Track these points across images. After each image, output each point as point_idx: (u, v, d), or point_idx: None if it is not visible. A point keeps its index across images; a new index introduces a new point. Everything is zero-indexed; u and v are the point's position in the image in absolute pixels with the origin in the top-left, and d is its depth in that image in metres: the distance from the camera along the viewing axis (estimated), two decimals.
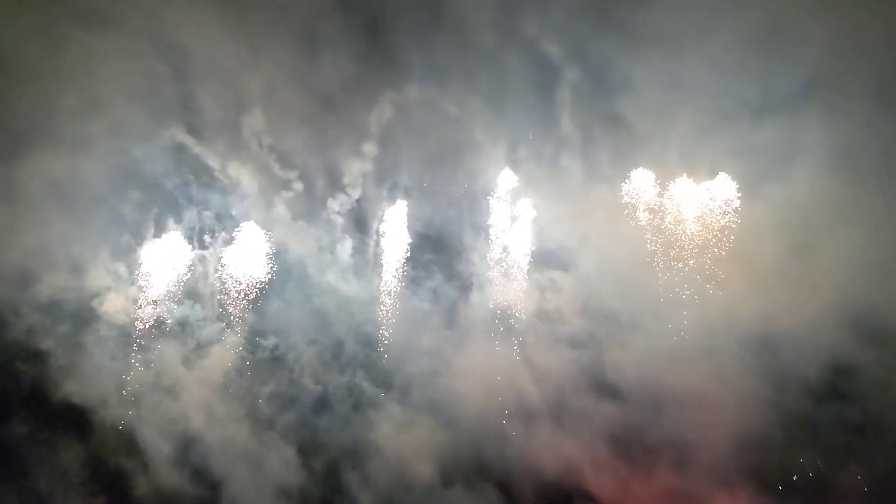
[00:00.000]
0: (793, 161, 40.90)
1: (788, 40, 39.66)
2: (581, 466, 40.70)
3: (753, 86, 41.53)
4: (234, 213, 47.13)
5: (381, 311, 45.47)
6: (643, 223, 42.46)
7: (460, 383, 43.02)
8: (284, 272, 46.27)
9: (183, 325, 45.33)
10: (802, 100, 40.06)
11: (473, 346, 43.96)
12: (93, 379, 42.78)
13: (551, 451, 41.21)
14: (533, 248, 44.77)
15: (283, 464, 42.17)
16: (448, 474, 41.90)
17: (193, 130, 46.51)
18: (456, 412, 42.69)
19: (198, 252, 46.28)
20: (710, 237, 41.27)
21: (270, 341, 45.29)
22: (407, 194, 46.55)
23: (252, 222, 46.58)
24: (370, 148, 45.69)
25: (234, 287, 45.62)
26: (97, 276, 44.61)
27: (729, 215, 41.66)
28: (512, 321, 44.23)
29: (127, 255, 45.41)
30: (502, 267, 44.98)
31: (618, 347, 42.15)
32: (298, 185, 46.73)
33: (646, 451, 40.91)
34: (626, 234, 42.39)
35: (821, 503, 38.75)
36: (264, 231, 46.30)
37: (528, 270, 44.67)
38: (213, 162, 46.91)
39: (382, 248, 46.55)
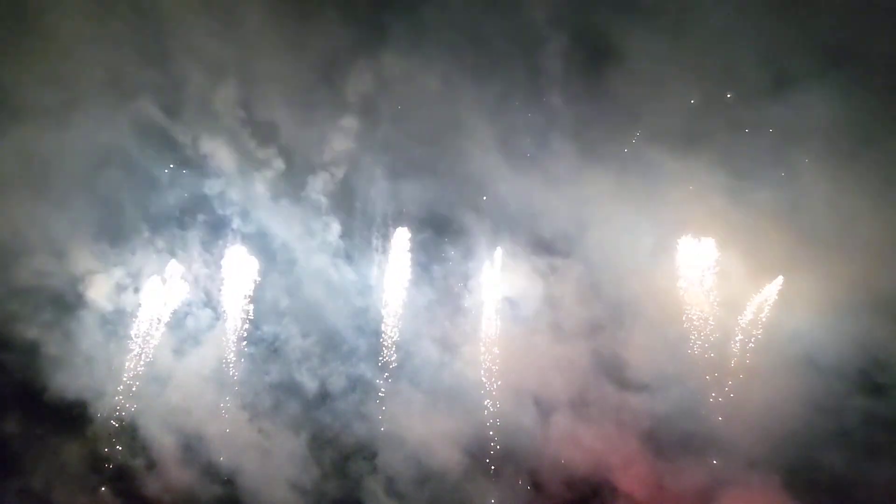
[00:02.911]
0: (802, 142, 38.62)
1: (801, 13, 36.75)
2: (602, 457, 40.25)
3: (759, 62, 38.76)
4: (209, 193, 45.28)
5: (382, 297, 43.71)
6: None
7: (470, 372, 42.12)
8: (271, 257, 44.86)
9: (174, 312, 44.27)
10: (814, 77, 37.27)
11: (481, 335, 42.51)
12: (84, 369, 41.94)
13: (565, 442, 40.74)
14: (533, 233, 43.09)
15: (293, 457, 41.73)
16: (463, 465, 41.47)
17: (163, 105, 44.23)
18: (468, 402, 41.96)
19: (179, 233, 45.28)
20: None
21: (268, 330, 44.08)
22: (396, 173, 44.39)
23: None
24: (353, 123, 43.43)
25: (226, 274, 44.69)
26: (80, 259, 43.31)
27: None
28: (519, 308, 42.89)
29: (108, 236, 44.20)
30: (505, 252, 43.11)
31: (632, 336, 41.00)
32: (279, 164, 44.58)
33: (668, 442, 40.17)
34: (625, 217, 40.48)
35: (850, 500, 37.66)
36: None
37: (531, 256, 43.01)
38: (186, 138, 44.79)
39: (375, 230, 44.49)
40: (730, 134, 39.74)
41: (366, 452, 42.12)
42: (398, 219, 44.01)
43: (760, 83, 39.03)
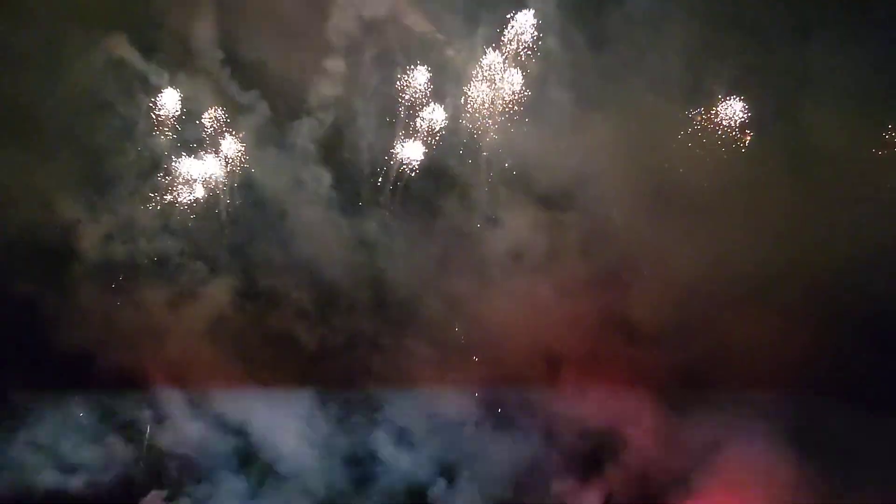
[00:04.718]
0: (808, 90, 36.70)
1: None
2: (613, 408, 40.12)
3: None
4: (190, 137, 43.58)
5: (381, 248, 43.10)
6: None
7: (478, 324, 41.76)
8: (261, 207, 43.92)
9: (166, 263, 43.77)
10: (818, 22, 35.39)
11: (486, 287, 41.87)
12: (82, 321, 41.48)
13: (577, 393, 40.53)
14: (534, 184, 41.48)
15: (299, 410, 42.12)
16: (474, 416, 41.77)
17: (136, 42, 42.01)
18: (477, 355, 41.90)
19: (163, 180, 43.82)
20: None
21: (265, 283, 43.37)
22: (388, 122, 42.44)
23: None
24: (338, 65, 41.15)
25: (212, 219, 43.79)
26: (67, 209, 42.47)
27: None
28: (524, 259, 41.80)
29: (94, 184, 43.08)
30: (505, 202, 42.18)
31: (640, 287, 40.17)
32: (262, 107, 42.64)
33: (675, 393, 39.80)
34: (626, 166, 38.99)
35: (858, 459, 36.37)
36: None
37: (533, 207, 41.64)
38: (160, 79, 42.78)
39: (371, 179, 43.33)
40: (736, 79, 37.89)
41: (374, 405, 42.36)
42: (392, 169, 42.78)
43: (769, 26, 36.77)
